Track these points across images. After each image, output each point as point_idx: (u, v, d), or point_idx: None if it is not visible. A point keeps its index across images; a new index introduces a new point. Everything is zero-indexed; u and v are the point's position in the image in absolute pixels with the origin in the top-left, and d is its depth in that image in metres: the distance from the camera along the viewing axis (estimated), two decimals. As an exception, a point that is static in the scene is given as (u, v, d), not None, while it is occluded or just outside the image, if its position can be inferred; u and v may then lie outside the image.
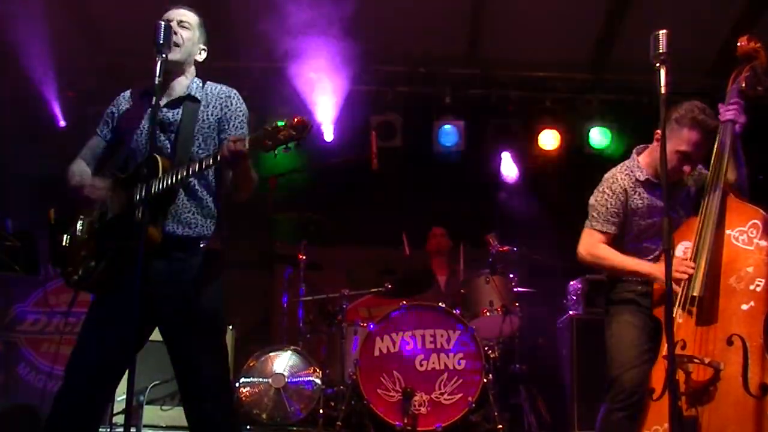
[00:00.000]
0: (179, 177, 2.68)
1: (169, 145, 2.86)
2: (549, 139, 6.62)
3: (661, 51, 2.68)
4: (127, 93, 3.04)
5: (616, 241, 3.34)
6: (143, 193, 2.66)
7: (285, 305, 5.62)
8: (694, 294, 3.00)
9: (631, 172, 3.33)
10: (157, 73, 2.71)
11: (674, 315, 3.00)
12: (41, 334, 6.34)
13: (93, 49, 6.37)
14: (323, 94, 6.46)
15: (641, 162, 3.35)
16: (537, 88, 6.62)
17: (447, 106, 6.65)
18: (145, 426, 4.68)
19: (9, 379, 6.18)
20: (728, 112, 3.21)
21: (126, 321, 2.53)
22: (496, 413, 4.78)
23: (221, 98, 3.00)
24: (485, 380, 4.77)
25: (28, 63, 6.06)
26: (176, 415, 4.77)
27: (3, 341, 6.28)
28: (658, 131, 3.16)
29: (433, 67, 6.56)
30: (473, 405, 4.72)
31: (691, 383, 2.90)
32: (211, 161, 2.66)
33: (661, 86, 2.68)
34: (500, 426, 4.76)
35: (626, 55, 6.08)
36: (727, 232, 3.08)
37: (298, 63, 6.48)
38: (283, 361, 5.10)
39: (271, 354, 5.14)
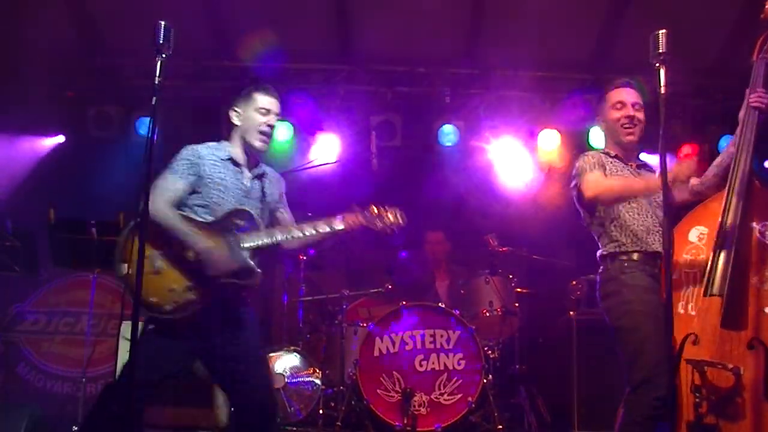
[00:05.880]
0: (280, 238, 3.23)
1: (252, 210, 3.30)
2: (549, 139, 6.61)
3: (660, 51, 2.67)
4: (205, 149, 3.32)
5: (611, 215, 3.25)
6: (249, 242, 3.19)
7: (285, 305, 5.62)
8: (714, 293, 2.83)
9: (599, 152, 3.41)
10: (158, 73, 2.71)
11: (687, 306, 2.92)
12: (41, 334, 6.34)
13: (93, 49, 6.36)
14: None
15: (606, 148, 3.45)
16: (536, 88, 6.61)
17: (447, 106, 6.64)
18: (145, 426, 4.67)
19: (9, 379, 6.18)
20: (756, 99, 3.05)
21: (176, 346, 3.11)
22: (495, 413, 4.78)
23: (279, 181, 3.52)
24: (485, 380, 4.77)
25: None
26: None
27: (3, 341, 6.28)
28: (598, 116, 3.47)
29: (433, 67, 6.56)
30: (473, 405, 4.72)
31: (713, 389, 2.77)
32: (327, 231, 3.27)
33: (660, 86, 2.68)
34: (500, 426, 4.76)
35: (626, 55, 6.08)
36: (753, 225, 2.89)
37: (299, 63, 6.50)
38: (283, 362, 5.10)
39: (271, 354, 5.15)
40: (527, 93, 6.58)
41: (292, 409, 5.02)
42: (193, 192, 3.24)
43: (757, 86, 3.06)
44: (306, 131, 6.58)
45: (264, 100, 3.34)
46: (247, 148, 3.35)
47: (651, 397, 2.85)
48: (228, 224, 3.21)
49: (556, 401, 5.52)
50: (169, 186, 3.18)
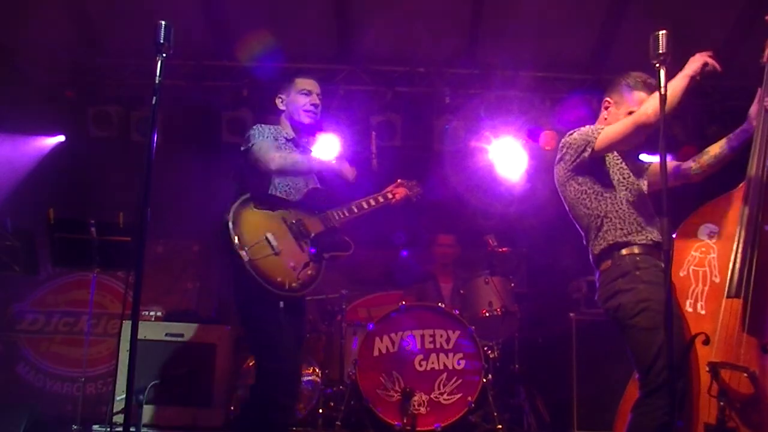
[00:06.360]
0: (356, 210, 3.71)
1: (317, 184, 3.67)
2: (549, 139, 6.61)
3: (661, 51, 2.66)
4: (274, 128, 3.56)
5: (611, 199, 3.07)
6: (338, 216, 3.62)
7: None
8: (731, 295, 2.81)
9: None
10: (158, 73, 2.71)
11: (696, 305, 2.91)
12: (40, 334, 6.33)
13: (93, 49, 6.36)
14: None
15: None
16: (536, 88, 6.62)
17: (447, 106, 6.64)
18: (144, 426, 4.68)
19: (9, 379, 6.17)
20: None
21: (299, 321, 3.50)
22: (495, 413, 4.78)
23: None
24: (484, 380, 4.77)
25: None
26: (176, 414, 4.77)
27: (3, 341, 6.27)
28: (608, 99, 3.21)
29: (433, 67, 6.56)
30: (472, 405, 4.72)
31: (733, 393, 2.73)
32: (382, 202, 3.86)
33: (661, 86, 2.67)
34: (499, 426, 4.76)
35: (626, 55, 6.07)
36: (766, 228, 2.88)
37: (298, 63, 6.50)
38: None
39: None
40: (527, 93, 6.58)
41: (292, 409, 5.01)
42: None
43: None
44: (306, 131, 6.58)
45: (305, 83, 3.65)
46: (297, 126, 3.63)
47: (667, 402, 2.68)
48: (311, 202, 3.55)
49: (555, 401, 5.51)
50: (270, 144, 3.43)
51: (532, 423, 5.23)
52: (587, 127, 3.16)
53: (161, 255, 6.57)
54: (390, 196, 3.88)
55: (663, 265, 2.81)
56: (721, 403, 2.72)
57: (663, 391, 2.73)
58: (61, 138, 6.73)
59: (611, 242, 3.02)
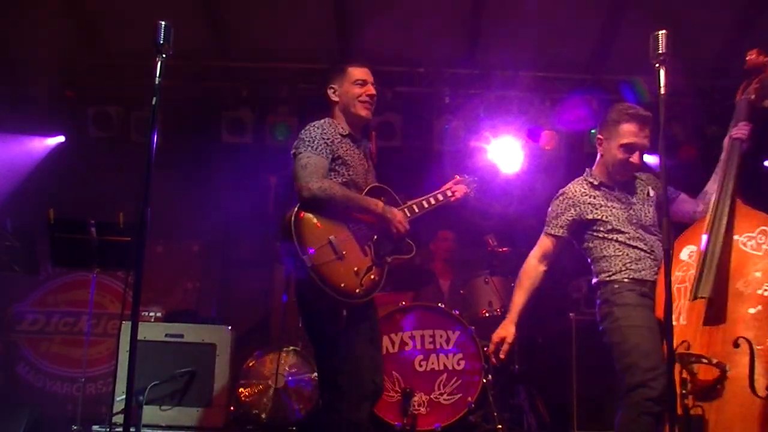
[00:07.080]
0: (417, 210, 3.48)
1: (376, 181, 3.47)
2: (549, 139, 6.60)
3: (660, 51, 2.67)
4: (330, 127, 3.27)
5: (600, 244, 3.41)
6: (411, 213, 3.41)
7: (285, 305, 5.62)
8: (703, 295, 3.00)
9: (585, 180, 3.53)
10: (158, 73, 2.71)
11: (679, 318, 3.09)
12: (40, 334, 6.33)
13: (93, 49, 6.36)
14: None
15: (594, 172, 3.54)
16: (536, 88, 6.61)
17: (447, 106, 6.64)
18: (144, 426, 4.68)
19: (9, 379, 6.17)
20: (738, 131, 3.33)
21: (371, 324, 3.26)
22: (495, 413, 4.78)
23: None
24: (484, 381, 4.77)
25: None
26: (176, 415, 4.76)
27: (2, 341, 6.27)
28: (600, 136, 3.48)
29: (433, 67, 6.56)
30: (472, 405, 4.72)
31: (698, 382, 2.94)
32: (442, 201, 3.67)
33: (660, 87, 2.68)
34: (499, 426, 4.76)
35: (626, 55, 6.08)
36: (735, 237, 3.13)
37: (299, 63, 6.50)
38: (282, 361, 5.09)
39: (270, 354, 5.15)
40: (527, 93, 6.58)
41: (292, 408, 5.01)
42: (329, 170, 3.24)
43: (739, 121, 3.33)
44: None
45: (358, 72, 3.40)
46: (352, 120, 3.38)
47: (643, 398, 3.06)
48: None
49: (555, 401, 5.51)
50: (318, 164, 3.15)
51: (532, 423, 5.22)
52: (554, 207, 3.54)
53: (161, 255, 6.57)
54: (449, 194, 3.71)
55: (643, 289, 3.27)
56: (683, 392, 2.90)
57: (644, 389, 3.06)
58: (61, 138, 6.73)
59: (599, 280, 3.44)
